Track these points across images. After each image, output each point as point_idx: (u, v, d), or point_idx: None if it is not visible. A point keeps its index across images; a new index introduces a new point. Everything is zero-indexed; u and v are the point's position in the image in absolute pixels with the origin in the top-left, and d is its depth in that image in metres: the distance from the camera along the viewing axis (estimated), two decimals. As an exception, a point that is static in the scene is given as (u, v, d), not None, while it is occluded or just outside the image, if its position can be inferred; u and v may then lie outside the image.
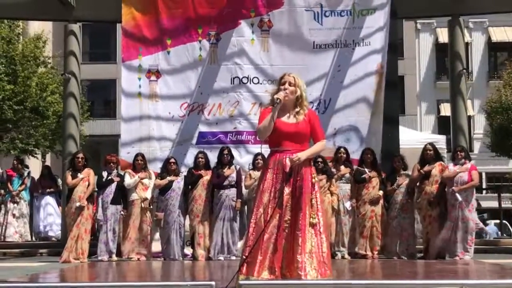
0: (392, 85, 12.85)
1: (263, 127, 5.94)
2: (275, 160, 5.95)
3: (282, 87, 6.01)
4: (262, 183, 5.97)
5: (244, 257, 5.85)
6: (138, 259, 11.03)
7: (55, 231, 14.70)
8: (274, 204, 5.82)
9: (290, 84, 6.02)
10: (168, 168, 11.37)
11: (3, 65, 21.48)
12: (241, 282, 4.60)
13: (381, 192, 11.23)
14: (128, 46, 13.01)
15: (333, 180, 11.26)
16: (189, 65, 12.93)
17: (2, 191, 14.97)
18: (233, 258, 10.84)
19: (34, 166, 21.99)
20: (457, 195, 10.57)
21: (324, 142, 6.10)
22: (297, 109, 6.01)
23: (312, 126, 6.03)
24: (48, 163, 24.85)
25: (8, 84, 21.40)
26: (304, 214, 5.82)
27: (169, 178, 11.27)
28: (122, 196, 11.28)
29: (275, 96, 5.95)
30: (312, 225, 5.83)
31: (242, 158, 12.46)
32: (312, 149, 6.01)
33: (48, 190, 14.97)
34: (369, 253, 11.07)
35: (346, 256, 11.10)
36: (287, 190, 5.86)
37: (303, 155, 5.87)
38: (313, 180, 5.95)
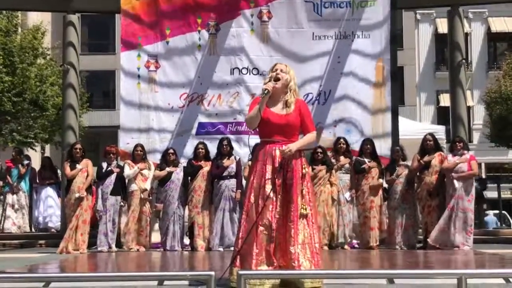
0: (392, 76, 12.86)
1: (250, 118, 5.96)
2: (264, 151, 5.93)
3: (273, 73, 6.00)
4: (253, 175, 5.95)
5: (236, 249, 5.86)
6: (138, 250, 11.05)
7: (54, 222, 14.69)
8: (265, 195, 5.80)
9: (282, 71, 6.02)
10: (167, 159, 11.37)
11: (1, 57, 21.41)
12: (240, 272, 4.57)
13: (381, 180, 11.24)
14: (128, 36, 12.96)
15: (333, 170, 11.26)
16: (187, 53, 12.89)
17: (1, 183, 14.95)
18: (233, 248, 10.83)
19: (33, 158, 21.96)
20: (455, 181, 10.58)
21: (314, 134, 6.06)
22: (286, 98, 5.99)
23: (302, 118, 5.99)
24: (47, 154, 24.83)
25: (7, 75, 21.35)
26: (296, 205, 5.80)
27: (168, 169, 11.27)
28: (122, 187, 11.29)
29: (264, 87, 5.95)
30: (304, 216, 5.82)
31: (242, 149, 12.44)
32: (302, 141, 5.98)
33: (48, 181, 14.94)
34: (373, 244, 11.07)
35: (346, 246, 11.11)
36: (277, 181, 5.84)
37: (294, 146, 5.85)
38: (304, 171, 5.91)
